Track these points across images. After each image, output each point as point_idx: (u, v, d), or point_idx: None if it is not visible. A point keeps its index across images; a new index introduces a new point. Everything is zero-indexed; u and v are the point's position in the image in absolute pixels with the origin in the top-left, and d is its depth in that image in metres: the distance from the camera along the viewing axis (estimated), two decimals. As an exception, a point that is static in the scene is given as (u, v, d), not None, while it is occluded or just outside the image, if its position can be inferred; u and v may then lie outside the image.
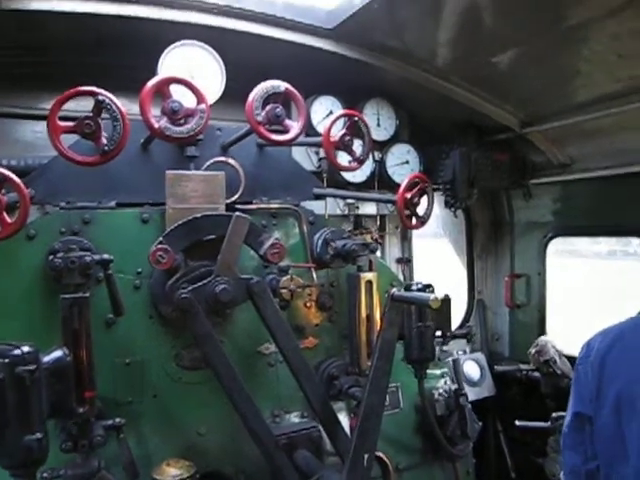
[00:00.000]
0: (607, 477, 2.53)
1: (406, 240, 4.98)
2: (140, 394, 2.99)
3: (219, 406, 3.02)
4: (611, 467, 2.51)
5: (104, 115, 2.41)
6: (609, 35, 3.19)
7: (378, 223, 4.46)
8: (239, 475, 3.11)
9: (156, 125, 2.43)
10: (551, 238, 4.91)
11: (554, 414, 4.20)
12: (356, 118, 2.91)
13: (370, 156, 4.31)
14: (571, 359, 4.51)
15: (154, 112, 2.56)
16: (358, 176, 4.24)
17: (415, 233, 4.96)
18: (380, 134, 4.38)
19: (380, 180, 4.31)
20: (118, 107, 2.28)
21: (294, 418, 3.36)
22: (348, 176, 4.19)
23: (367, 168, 4.28)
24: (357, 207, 4.28)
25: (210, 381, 2.97)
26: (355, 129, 2.93)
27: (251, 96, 2.66)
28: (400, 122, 4.46)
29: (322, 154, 4.12)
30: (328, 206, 4.19)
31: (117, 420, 2.72)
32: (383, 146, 4.40)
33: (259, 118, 2.64)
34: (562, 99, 3.96)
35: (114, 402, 2.90)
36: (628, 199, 4.20)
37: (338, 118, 2.90)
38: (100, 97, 2.30)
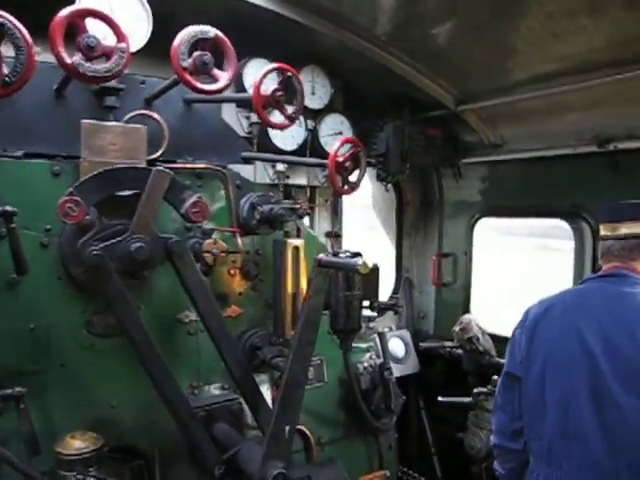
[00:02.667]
0: (528, 436, 2.70)
1: (336, 215, 4.88)
2: (46, 362, 2.76)
3: (133, 377, 2.83)
4: (530, 426, 2.68)
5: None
6: (546, 13, 3.18)
7: (308, 194, 4.33)
8: (153, 449, 2.94)
9: (68, 60, 2.18)
10: (478, 218, 4.96)
11: (475, 390, 4.28)
12: (289, 73, 2.76)
13: (303, 124, 4.19)
14: (494, 337, 4.59)
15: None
16: (289, 144, 4.09)
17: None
18: (314, 102, 4.23)
19: (312, 150, 4.17)
20: (22, 33, 2.02)
21: (214, 390, 3.23)
22: (279, 143, 4.03)
23: (299, 136, 4.15)
24: (287, 177, 4.14)
25: (124, 350, 2.79)
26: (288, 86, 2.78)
27: (177, 39, 2.46)
28: (335, 91, 4.33)
29: (253, 119, 3.95)
30: (258, 175, 4.04)
31: (17, 389, 2.50)
32: (317, 115, 4.26)
33: (185, 64, 2.44)
34: (497, 77, 3.96)
35: (16, 371, 2.66)
36: (555, 181, 4.28)
37: (270, 72, 2.74)
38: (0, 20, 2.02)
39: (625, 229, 2.70)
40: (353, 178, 3.11)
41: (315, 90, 4.24)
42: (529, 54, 3.58)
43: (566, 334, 2.58)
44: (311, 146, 4.19)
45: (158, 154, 2.95)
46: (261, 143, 3.96)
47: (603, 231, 2.80)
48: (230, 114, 3.94)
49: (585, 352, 2.48)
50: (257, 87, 2.66)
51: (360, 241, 4.78)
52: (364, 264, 2.43)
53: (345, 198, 5.03)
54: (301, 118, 4.16)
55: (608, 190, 3.90)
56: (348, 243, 5.04)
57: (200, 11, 3.16)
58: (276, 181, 4.12)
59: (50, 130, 2.81)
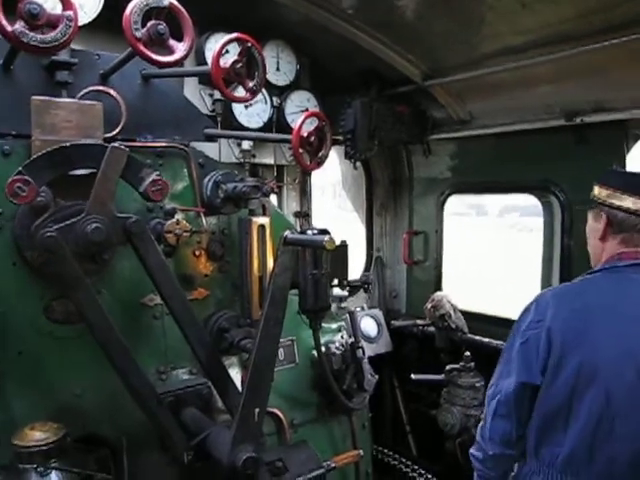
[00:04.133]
0: (535, 442, 2.50)
1: (305, 194, 4.81)
2: (2, 351, 2.63)
3: (97, 363, 2.71)
4: (544, 433, 2.46)
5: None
6: (514, -18, 3.14)
7: (275, 173, 4.24)
8: (121, 438, 2.85)
9: (9, 28, 2.04)
10: (448, 195, 4.93)
11: (448, 367, 4.27)
12: (249, 44, 2.64)
13: (268, 101, 4.09)
14: (465, 314, 4.59)
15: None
16: (255, 122, 4.00)
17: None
18: (279, 79, 4.15)
19: (278, 127, 4.09)
20: None
21: (182, 375, 3.13)
22: (244, 121, 3.94)
23: (264, 114, 4.06)
24: (254, 155, 4.05)
25: (86, 336, 2.66)
26: (249, 58, 2.67)
27: (129, 8, 2.32)
28: (301, 67, 4.25)
29: (217, 96, 3.84)
30: (223, 154, 3.95)
31: None
32: (282, 92, 4.18)
33: (138, 34, 2.31)
34: (466, 51, 3.90)
35: None
36: (524, 157, 4.26)
37: (228, 42, 2.62)
38: None
39: None
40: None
41: (280, 66, 4.15)
42: (497, 26, 3.53)
43: (609, 337, 2.33)
44: (277, 123, 4.12)
45: (115, 132, 2.81)
46: (226, 121, 3.87)
47: (627, 203, 2.46)
48: (193, 91, 3.84)
49: (633, 364, 2.28)
50: (215, 59, 2.55)
51: (331, 221, 4.73)
52: (330, 240, 2.36)
53: (315, 179, 4.97)
54: (266, 95, 4.08)
55: (576, 164, 3.90)
56: (318, 223, 4.98)
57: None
58: (242, 160, 4.03)
59: None
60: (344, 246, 2.97)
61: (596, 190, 2.63)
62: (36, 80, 2.73)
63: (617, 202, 2.49)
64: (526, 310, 2.58)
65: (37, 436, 2.35)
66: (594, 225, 2.66)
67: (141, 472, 2.87)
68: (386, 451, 4.95)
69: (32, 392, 2.70)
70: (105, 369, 2.63)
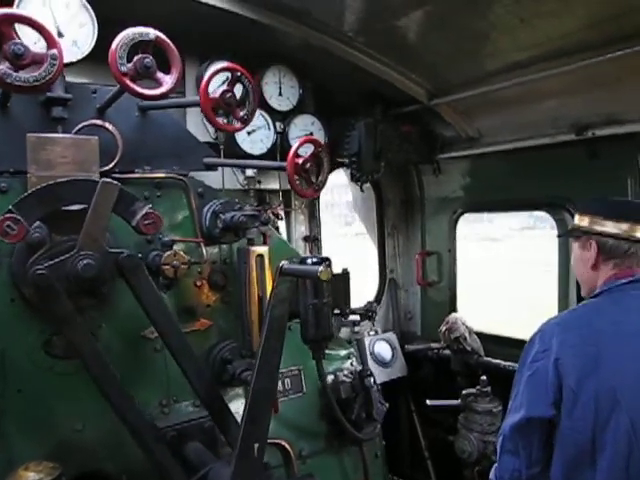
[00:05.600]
0: None
1: (314, 218, 4.76)
2: (1, 388, 2.61)
3: (98, 398, 2.67)
4: (569, 473, 2.30)
5: None
6: (512, -3, 3.07)
7: (281, 198, 4.20)
8: (121, 474, 2.80)
9: (-7, 70, 2.06)
10: (461, 214, 4.84)
11: (464, 391, 4.15)
12: (239, 73, 2.62)
13: (272, 127, 4.08)
14: (481, 335, 4.47)
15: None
16: (258, 148, 3.98)
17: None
18: (282, 104, 4.13)
19: (282, 153, 4.04)
20: None
21: (185, 407, 3.08)
22: (247, 148, 3.92)
23: (268, 140, 4.04)
24: (259, 181, 4.02)
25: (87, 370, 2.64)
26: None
27: (114, 43, 2.32)
28: (304, 91, 4.22)
29: (219, 124, 3.83)
30: (227, 181, 3.92)
31: None
32: (285, 117, 4.15)
33: (124, 69, 2.31)
34: (469, 68, 3.85)
35: None
36: (534, 173, 4.17)
37: (217, 72, 2.60)
38: None
39: None
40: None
41: (283, 91, 4.13)
42: (500, 42, 3.48)
43: (624, 359, 2.24)
44: (281, 149, 4.08)
45: (112, 165, 2.81)
46: (229, 149, 3.85)
47: (611, 228, 2.47)
48: (195, 120, 3.84)
49: None
50: (204, 89, 2.53)
51: (342, 243, 4.67)
52: (325, 271, 2.29)
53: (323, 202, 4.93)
54: (269, 120, 4.06)
55: (588, 179, 3.79)
56: (329, 246, 4.93)
57: (151, 15, 3.02)
58: (247, 187, 4.01)
59: None
60: (345, 274, 2.90)
61: (577, 219, 2.61)
62: (32, 117, 2.75)
63: (599, 228, 2.49)
64: (531, 341, 2.48)
65: (31, 477, 2.31)
66: (583, 254, 2.60)
67: None
68: (402, 480, 4.82)
69: (32, 429, 2.67)
70: (107, 403, 2.60)
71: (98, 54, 2.95)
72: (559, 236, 4.02)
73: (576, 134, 3.73)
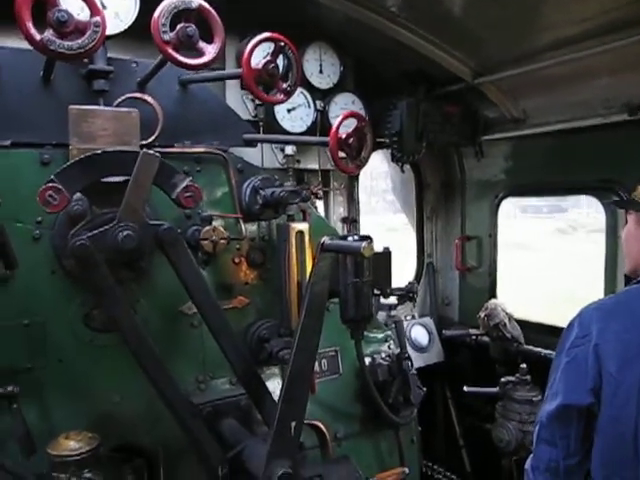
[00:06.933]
0: (601, 477, 2.22)
1: (352, 199, 4.69)
2: (42, 359, 2.64)
3: (136, 371, 2.67)
4: (612, 468, 2.19)
5: None
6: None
7: (320, 178, 4.14)
8: (157, 447, 2.81)
9: (38, 37, 2.04)
10: (503, 198, 4.71)
11: (503, 379, 4.06)
12: (282, 43, 2.56)
13: (312, 105, 4.01)
14: (521, 323, 4.36)
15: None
16: (298, 126, 3.93)
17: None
18: (323, 81, 4.06)
19: (322, 131, 3.97)
20: None
21: (221, 385, 3.07)
22: (287, 126, 3.86)
23: (308, 118, 3.98)
24: (298, 161, 3.96)
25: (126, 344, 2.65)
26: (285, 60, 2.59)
27: (157, 11, 2.29)
28: (345, 69, 4.14)
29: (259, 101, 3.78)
30: (266, 159, 3.88)
31: (9, 388, 2.39)
32: (326, 95, 4.07)
33: (166, 37, 2.27)
34: (518, 45, 3.71)
35: (10, 369, 2.55)
36: (583, 155, 4.01)
37: (260, 42, 2.54)
38: None
39: None
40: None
41: (323, 68, 4.05)
42: (551, 15, 3.33)
43: None
44: (321, 127, 4.00)
45: (152, 139, 2.80)
46: (268, 126, 3.81)
47: None
48: (235, 97, 3.80)
49: None
50: (247, 60, 2.48)
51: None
52: (368, 247, 2.23)
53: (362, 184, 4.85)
54: (309, 98, 3.99)
55: (641, 161, 3.62)
56: (367, 229, 4.86)
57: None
58: (286, 165, 3.95)
59: (38, 118, 2.68)
60: (387, 253, 2.82)
61: (639, 190, 2.43)
62: (74, 90, 2.75)
63: None
64: (569, 326, 2.36)
65: (71, 445, 2.33)
66: (637, 231, 2.44)
67: None
68: (436, 467, 4.74)
69: (71, 400, 2.70)
70: (145, 377, 2.60)
71: (139, 30, 2.94)
72: (612, 203, 3.82)
73: (629, 114, 3.57)
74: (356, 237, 2.56)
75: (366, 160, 2.85)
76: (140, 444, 2.80)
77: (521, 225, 19.75)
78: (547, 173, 4.31)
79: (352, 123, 2.93)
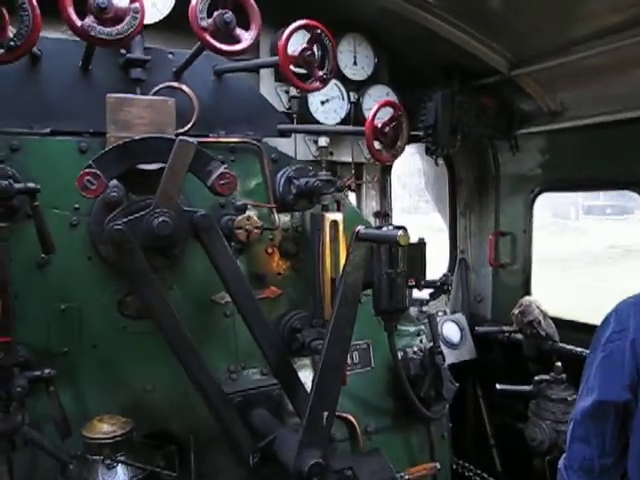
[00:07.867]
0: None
1: (385, 193, 4.65)
2: (77, 344, 2.68)
3: (169, 360, 2.70)
4: None
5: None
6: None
7: (353, 171, 4.11)
8: (188, 435, 2.82)
9: (79, 23, 2.06)
10: (538, 193, 4.60)
11: (537, 377, 3.97)
12: (319, 30, 2.54)
13: (345, 97, 3.98)
14: (556, 320, 4.26)
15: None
16: (332, 118, 3.91)
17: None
18: (357, 73, 4.03)
19: (356, 123, 3.93)
20: None
21: (253, 375, 3.08)
22: (321, 117, 3.85)
23: (341, 110, 3.96)
24: (331, 153, 3.94)
25: (159, 331, 2.67)
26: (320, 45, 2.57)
27: None
28: (379, 61, 4.10)
29: (293, 92, 3.78)
30: (299, 151, 3.87)
31: (46, 371, 2.43)
32: (360, 87, 4.05)
33: (204, 24, 2.27)
34: (556, 35, 3.61)
35: (47, 352, 2.61)
36: (622, 149, 3.90)
37: (296, 29, 2.53)
38: None
39: None
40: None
41: (357, 60, 4.03)
42: (592, 4, 3.23)
43: None
44: (354, 120, 3.98)
45: (187, 127, 2.81)
46: (302, 118, 3.80)
47: None
48: (269, 89, 3.80)
49: None
50: (283, 47, 2.47)
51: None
52: (404, 235, 2.21)
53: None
54: (343, 90, 3.97)
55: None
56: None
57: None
58: (319, 157, 3.93)
59: (77, 106, 2.74)
60: (422, 244, 2.78)
61: None
62: (112, 78, 2.79)
63: None
64: (605, 321, 2.28)
65: (104, 429, 2.37)
66: None
67: (207, 471, 2.84)
68: (467, 465, 4.68)
69: (105, 385, 2.74)
70: (176, 365, 2.61)
71: (175, 20, 2.96)
72: None
73: (672, 107, 3.46)
74: (391, 227, 2.54)
75: (402, 149, 2.82)
76: (171, 431, 2.83)
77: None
78: (585, 168, 4.19)
79: (386, 114, 2.90)
